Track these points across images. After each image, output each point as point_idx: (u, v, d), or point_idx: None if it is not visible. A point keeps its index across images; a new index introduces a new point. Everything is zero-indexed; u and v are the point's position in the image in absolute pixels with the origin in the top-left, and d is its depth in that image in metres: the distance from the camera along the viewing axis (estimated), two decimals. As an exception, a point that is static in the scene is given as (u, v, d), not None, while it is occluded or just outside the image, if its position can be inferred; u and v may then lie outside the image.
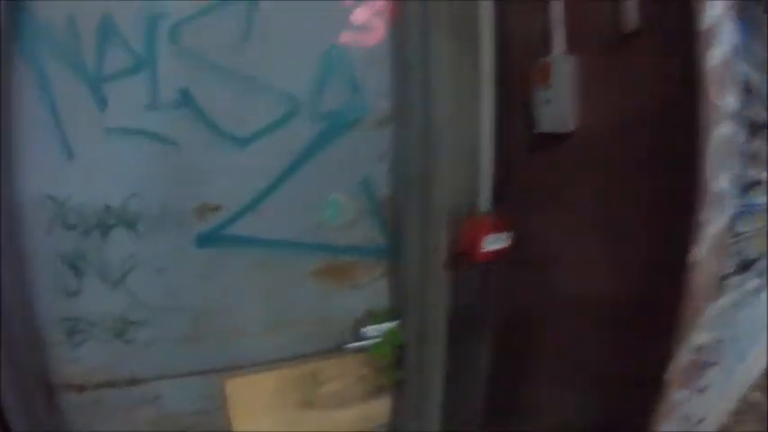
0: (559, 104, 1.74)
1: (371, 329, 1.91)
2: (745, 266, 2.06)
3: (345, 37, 1.78)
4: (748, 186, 1.88)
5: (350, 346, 1.89)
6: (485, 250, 1.79)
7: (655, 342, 1.64)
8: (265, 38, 1.70)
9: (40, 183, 1.66)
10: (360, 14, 1.79)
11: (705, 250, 1.37)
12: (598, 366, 1.88)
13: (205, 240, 1.77)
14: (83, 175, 1.66)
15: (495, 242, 1.82)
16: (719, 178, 1.36)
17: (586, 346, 1.93)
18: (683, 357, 1.49)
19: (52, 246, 1.69)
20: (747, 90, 1.74)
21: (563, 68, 1.73)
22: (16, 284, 1.64)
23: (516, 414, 1.99)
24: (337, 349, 1.91)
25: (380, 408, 2.02)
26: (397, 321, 1.94)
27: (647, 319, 1.92)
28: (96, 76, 1.63)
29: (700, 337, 1.60)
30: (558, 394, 1.89)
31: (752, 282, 2.12)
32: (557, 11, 1.69)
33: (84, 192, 1.67)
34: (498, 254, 1.82)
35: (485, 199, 1.85)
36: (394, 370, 1.97)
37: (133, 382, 1.82)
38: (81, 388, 1.80)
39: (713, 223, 1.38)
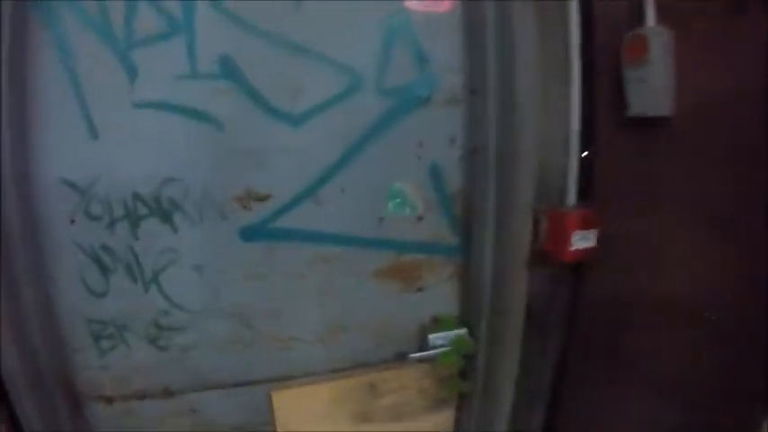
0: (656, 84, 1.50)
1: (437, 337, 1.68)
2: None
3: (411, 2, 1.50)
4: None
5: (413, 355, 1.66)
6: (572, 249, 1.53)
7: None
8: (321, 1, 1.44)
9: (58, 165, 1.44)
10: (428, -24, 1.50)
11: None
12: (700, 379, 1.67)
13: (252, 234, 1.53)
14: (108, 156, 1.44)
15: (583, 240, 1.56)
16: None
17: (685, 356, 1.70)
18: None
19: (74, 239, 1.48)
20: None
21: (661, 42, 1.47)
22: (34, 282, 1.44)
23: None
24: (399, 358, 1.68)
25: (444, 422, 1.80)
26: (465, 328, 1.70)
27: (756, 326, 1.69)
28: (125, 42, 1.38)
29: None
30: (653, 410, 1.67)
31: None
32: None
33: (109, 177, 1.45)
34: (586, 253, 1.56)
35: (572, 190, 1.58)
36: (460, 381, 1.74)
37: (168, 393, 1.63)
38: (109, 399, 1.62)
39: None
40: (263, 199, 1.49)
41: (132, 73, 1.39)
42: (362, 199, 1.55)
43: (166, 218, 1.50)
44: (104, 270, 1.53)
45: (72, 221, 1.47)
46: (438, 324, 1.75)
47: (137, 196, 1.48)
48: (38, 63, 1.36)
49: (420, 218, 1.63)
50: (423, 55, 1.53)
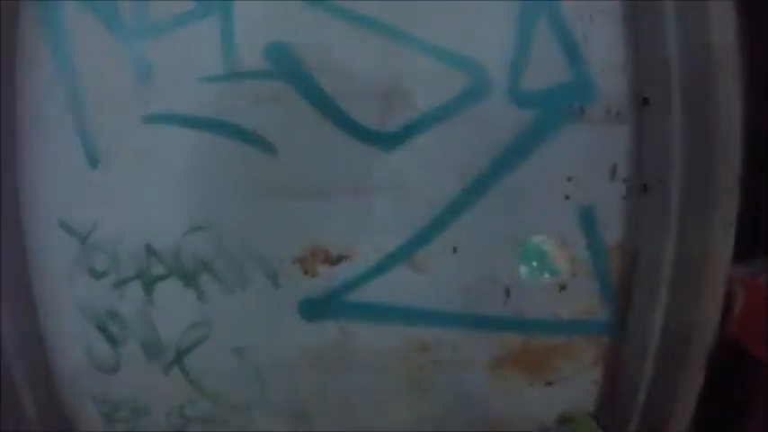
0: None
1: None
2: None
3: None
4: None
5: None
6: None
7: None
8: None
9: (50, 203, 1.05)
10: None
11: None
12: None
13: (317, 309, 1.05)
14: (111, 193, 1.03)
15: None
16: None
17: None
18: None
19: (75, 299, 1.10)
20: None
21: None
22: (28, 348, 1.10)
23: None
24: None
25: None
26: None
27: None
28: (136, 30, 0.93)
29: None
30: None
31: None
32: None
33: (114, 221, 1.04)
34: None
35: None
36: None
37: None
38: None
39: None
40: (335, 262, 1.00)
41: (144, 73, 0.92)
42: (482, 261, 1.03)
43: (190, 280, 1.03)
44: (112, 341, 1.11)
45: (70, 277, 1.08)
46: (568, 424, 1.21)
47: (150, 249, 1.02)
48: (24, 61, 0.96)
49: (563, 286, 1.09)
50: (573, 49, 1.00)
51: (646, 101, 1.06)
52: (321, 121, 0.95)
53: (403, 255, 0.98)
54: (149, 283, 1.07)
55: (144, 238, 1.04)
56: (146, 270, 1.06)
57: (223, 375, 1.12)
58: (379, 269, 0.99)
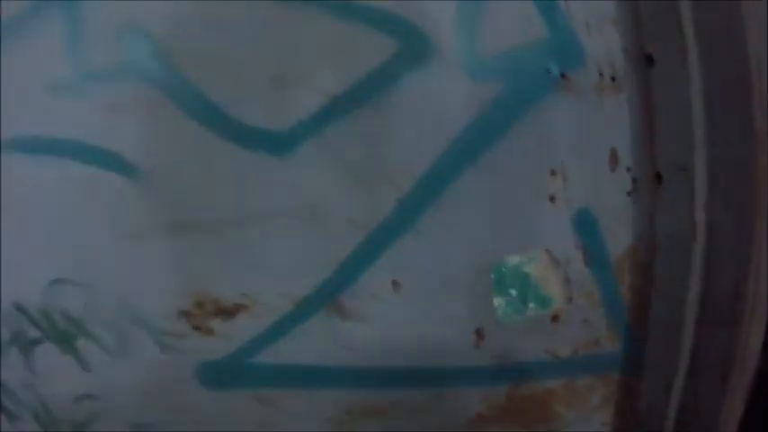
0: None
1: None
2: None
3: None
4: None
5: None
6: None
7: None
8: None
9: None
10: None
11: None
12: None
13: (221, 374, 0.77)
14: None
15: None
16: None
17: None
18: None
19: None
20: None
21: None
22: None
23: None
24: None
25: None
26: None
27: None
28: None
29: None
30: None
31: None
32: None
33: None
34: None
35: None
36: None
37: None
38: None
39: None
40: (230, 313, 0.71)
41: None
42: (437, 296, 0.74)
43: (66, 345, 0.77)
44: (9, 415, 0.87)
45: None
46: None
47: (20, 308, 0.76)
48: None
49: (556, 317, 0.81)
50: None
51: (650, 60, 0.77)
52: (191, 127, 0.67)
53: (321, 298, 0.70)
54: (26, 348, 0.81)
55: (12, 294, 0.78)
56: (20, 332, 0.80)
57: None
58: (293, 320, 0.71)
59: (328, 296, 0.70)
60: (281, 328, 0.71)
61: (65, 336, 0.78)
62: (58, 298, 0.77)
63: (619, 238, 0.81)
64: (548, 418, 0.90)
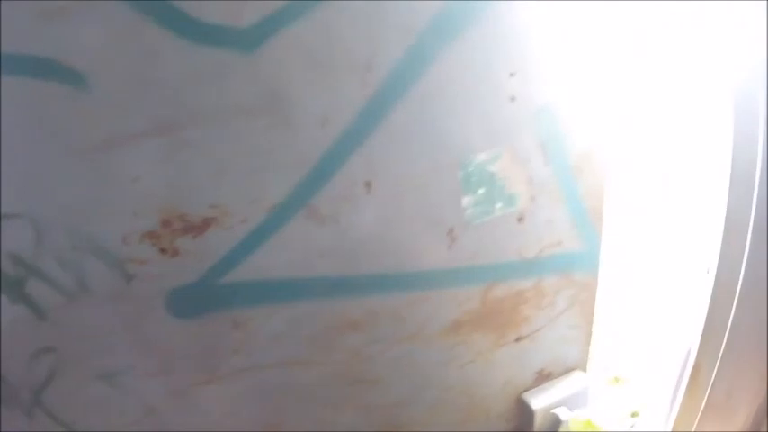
0: None
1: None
2: None
3: None
4: None
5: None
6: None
7: None
8: None
9: None
10: None
11: None
12: None
13: (192, 301, 0.74)
14: None
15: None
16: None
17: None
18: None
19: None
20: None
21: None
22: None
23: None
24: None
25: None
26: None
27: None
28: None
29: None
30: None
31: None
32: None
33: None
34: None
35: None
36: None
37: None
38: None
39: None
40: (200, 229, 0.68)
41: None
42: (409, 196, 0.74)
43: (16, 291, 0.70)
44: None
45: None
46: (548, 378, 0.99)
47: None
48: None
49: (521, 217, 0.83)
50: None
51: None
52: (146, 27, 0.61)
53: (296, 203, 0.68)
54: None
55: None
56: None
57: (94, 407, 0.81)
58: (267, 229, 0.69)
59: (302, 200, 0.68)
60: (254, 240, 0.68)
61: (15, 280, 0.72)
62: (4, 238, 0.70)
63: (577, 138, 0.83)
64: (519, 322, 0.93)
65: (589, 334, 1.04)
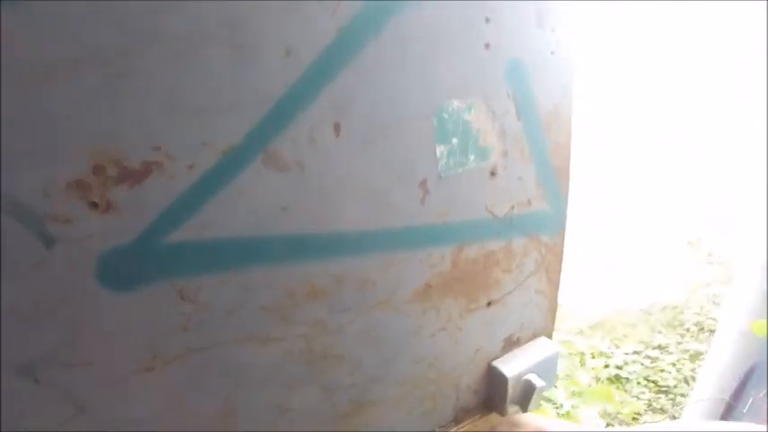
0: None
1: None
2: None
3: None
4: None
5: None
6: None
7: None
8: None
9: None
10: None
11: None
12: None
13: (129, 268, 0.63)
14: None
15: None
16: None
17: None
18: None
19: None
20: None
21: None
22: None
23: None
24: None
25: None
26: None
27: None
28: None
29: None
30: None
31: None
32: None
33: None
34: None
35: None
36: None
37: None
38: None
39: None
40: (140, 175, 0.57)
41: None
42: (380, 142, 0.67)
43: None
44: None
45: None
46: (516, 345, 0.96)
47: None
48: None
49: (493, 172, 0.78)
50: None
51: None
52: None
53: (254, 147, 0.59)
54: None
55: None
56: None
57: (13, 406, 0.68)
58: (219, 177, 0.59)
59: (261, 144, 0.59)
60: (203, 191, 0.58)
61: None
62: None
63: (547, 93, 0.79)
64: (490, 285, 0.88)
65: (554, 299, 1.01)
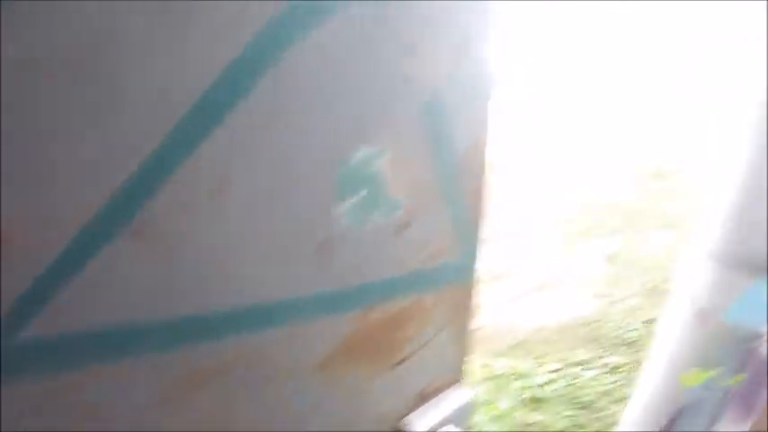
0: None
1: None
2: None
3: None
4: None
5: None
6: None
7: None
8: None
9: None
10: None
11: None
12: None
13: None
14: None
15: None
16: None
17: None
18: None
19: None
20: None
21: None
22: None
23: None
24: None
25: None
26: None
27: None
28: None
29: None
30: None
31: None
32: None
33: None
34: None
35: None
36: None
37: None
38: None
39: None
40: None
41: None
42: (270, 202, 0.57)
43: None
44: None
45: None
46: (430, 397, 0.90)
47: None
48: None
49: (406, 224, 0.71)
50: None
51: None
52: None
53: (116, 217, 0.47)
54: None
55: None
56: None
57: None
58: (76, 258, 0.47)
59: (126, 215, 0.47)
60: (58, 275, 0.46)
61: None
62: None
63: (466, 131, 0.74)
64: (401, 344, 0.81)
65: (466, 345, 0.96)
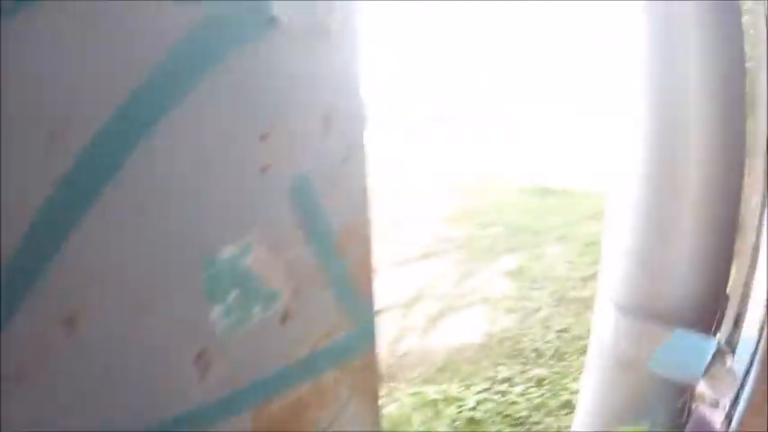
0: None
1: None
2: None
3: None
4: None
5: None
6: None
7: None
8: None
9: None
10: None
11: None
12: None
13: None
14: None
15: None
16: None
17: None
18: None
19: None
20: None
21: None
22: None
23: None
24: None
25: None
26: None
27: None
28: None
29: None
30: None
31: None
32: None
33: None
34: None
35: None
36: None
37: None
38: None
39: None
40: None
41: None
42: (130, 331, 0.52)
43: None
44: None
45: None
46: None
47: None
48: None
49: (286, 314, 0.68)
50: None
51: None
52: None
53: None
54: None
55: None
56: None
57: None
58: None
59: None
60: None
61: None
62: None
63: (341, 207, 0.72)
64: (303, 429, 0.77)
65: (376, 411, 0.93)
